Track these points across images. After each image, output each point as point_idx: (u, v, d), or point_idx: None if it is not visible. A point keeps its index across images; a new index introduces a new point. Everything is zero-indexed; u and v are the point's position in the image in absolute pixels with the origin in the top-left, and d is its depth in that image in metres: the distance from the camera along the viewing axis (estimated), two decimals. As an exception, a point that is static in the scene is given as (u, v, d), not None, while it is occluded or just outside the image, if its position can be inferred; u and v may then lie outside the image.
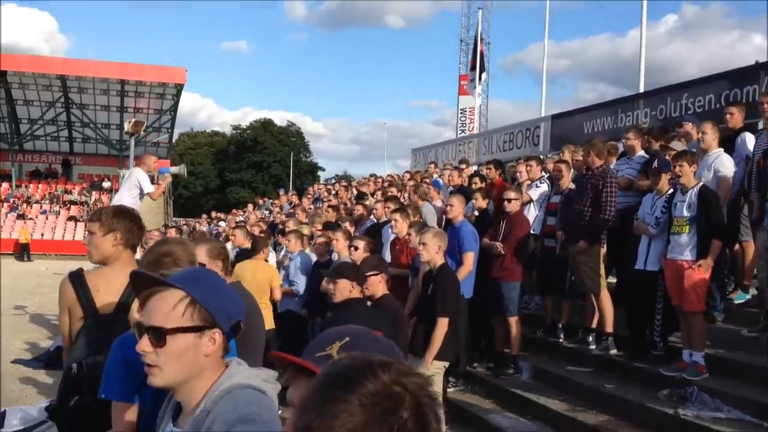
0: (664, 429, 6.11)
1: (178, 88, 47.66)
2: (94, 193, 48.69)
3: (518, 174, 10.22)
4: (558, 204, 8.91)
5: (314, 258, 9.70)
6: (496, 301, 8.28)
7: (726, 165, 7.47)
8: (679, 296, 6.70)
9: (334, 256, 8.99)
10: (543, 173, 9.96)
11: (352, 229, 10.16)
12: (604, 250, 8.07)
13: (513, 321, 8.26)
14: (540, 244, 9.16)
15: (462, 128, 41.86)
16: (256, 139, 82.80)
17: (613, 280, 8.96)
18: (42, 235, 42.70)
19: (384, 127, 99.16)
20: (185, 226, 30.60)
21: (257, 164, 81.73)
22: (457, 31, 51.13)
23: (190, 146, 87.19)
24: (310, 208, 16.75)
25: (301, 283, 9.31)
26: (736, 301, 7.78)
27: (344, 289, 5.47)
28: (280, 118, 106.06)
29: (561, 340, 8.66)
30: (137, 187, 9.64)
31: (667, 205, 7.04)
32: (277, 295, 8.79)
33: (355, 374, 1.18)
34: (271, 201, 28.17)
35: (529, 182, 9.81)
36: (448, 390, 7.84)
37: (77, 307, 3.66)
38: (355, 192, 16.94)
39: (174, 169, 11.11)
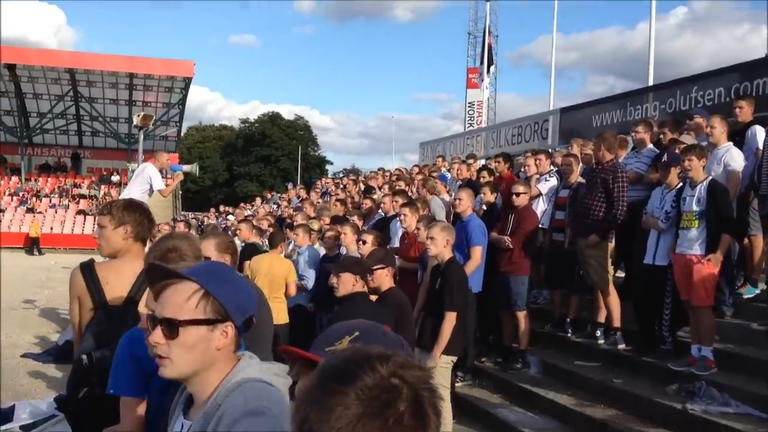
0: (673, 424, 6.10)
1: (187, 82, 47.63)
2: (103, 186, 48.78)
3: (526, 168, 10.18)
4: (566, 198, 8.89)
5: (323, 252, 9.72)
6: (504, 296, 8.28)
7: (736, 159, 7.44)
8: (688, 291, 6.68)
9: (343, 251, 9.01)
10: (552, 167, 9.94)
11: (360, 223, 10.17)
12: (612, 244, 8.05)
13: (521, 315, 8.25)
14: (548, 238, 9.15)
15: (470, 122, 41.77)
16: (264, 132, 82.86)
17: (621, 274, 8.95)
18: (51, 228, 42.80)
19: (392, 121, 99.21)
20: (194, 220, 30.67)
21: (265, 158, 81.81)
22: (465, 23, 50.92)
23: (199, 140, 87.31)
24: (318, 202, 16.76)
25: (310, 278, 9.33)
26: (746, 296, 7.75)
27: (348, 283, 5.48)
28: (287, 112, 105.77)
29: (569, 335, 8.65)
30: (148, 183, 9.66)
31: (676, 200, 7.01)
32: (292, 291, 8.82)
33: (353, 367, 1.18)
34: (279, 195, 28.21)
35: (537, 176, 9.79)
36: (456, 384, 7.84)
37: (87, 297, 3.68)
38: (362, 186, 16.95)
39: (186, 168, 11.10)
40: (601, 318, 8.14)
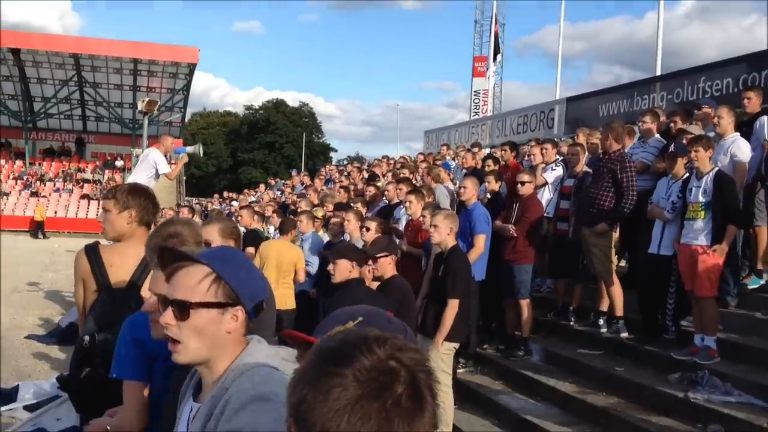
0: (674, 412, 6.11)
1: (191, 68, 47.60)
2: (107, 171, 48.88)
3: (532, 156, 10.16)
4: (572, 188, 8.87)
5: (326, 238, 9.73)
6: (508, 284, 8.28)
7: (743, 150, 7.41)
8: (692, 281, 6.68)
9: (347, 237, 9.01)
10: (557, 156, 9.92)
11: (364, 210, 10.17)
12: (616, 234, 8.04)
13: (524, 304, 8.26)
14: (553, 227, 9.14)
15: (475, 110, 41.62)
16: (268, 119, 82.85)
17: (624, 263, 8.94)
18: (55, 212, 42.95)
19: (397, 109, 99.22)
20: (197, 206, 30.72)
21: (269, 144, 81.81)
22: (472, 11, 50.78)
23: (203, 126, 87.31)
24: (322, 189, 16.76)
25: (314, 264, 9.34)
26: (750, 286, 7.73)
27: (344, 270, 5.50)
28: (292, 99, 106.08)
29: (572, 323, 8.65)
30: (153, 168, 9.67)
31: (682, 190, 7.00)
32: (301, 277, 8.85)
33: (350, 349, 1.18)
34: (283, 181, 28.21)
35: (543, 165, 9.77)
36: (458, 371, 7.87)
37: (91, 279, 3.70)
38: (366, 174, 16.94)
39: (190, 149, 11.09)
40: (604, 307, 8.13)
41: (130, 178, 10.43)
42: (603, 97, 15.69)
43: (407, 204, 8.68)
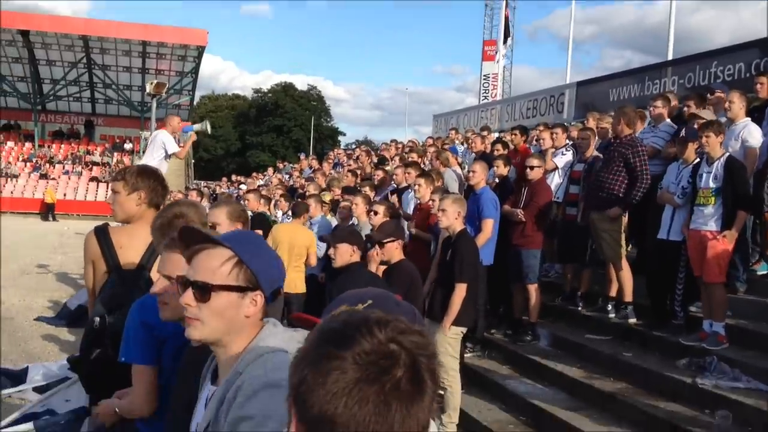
0: (682, 398, 6.11)
1: (200, 50, 47.54)
2: (116, 154, 48.96)
3: (541, 141, 10.11)
4: (581, 172, 8.84)
5: (334, 222, 9.73)
6: (516, 269, 8.27)
7: (754, 135, 7.36)
8: (701, 267, 6.65)
9: (355, 221, 9.02)
10: (567, 141, 9.87)
11: (372, 194, 10.16)
12: (625, 219, 8.01)
13: (532, 288, 8.25)
14: (562, 212, 9.11)
15: (485, 94, 41.49)
16: (276, 102, 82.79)
17: (631, 249, 8.90)
18: (65, 195, 43.07)
19: (406, 93, 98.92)
20: (206, 189, 30.78)
21: (278, 128, 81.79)
22: (482, -6, 50.31)
23: (211, 109, 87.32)
24: (330, 173, 16.75)
25: (322, 248, 9.35)
26: (760, 273, 7.70)
27: (345, 254, 5.52)
28: (301, 82, 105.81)
29: (580, 308, 8.64)
30: (162, 149, 9.68)
31: (692, 175, 6.96)
32: (313, 261, 8.87)
33: (351, 331, 1.17)
34: (291, 165, 28.22)
35: (553, 150, 9.72)
36: (466, 355, 7.87)
37: (101, 261, 3.72)
38: (375, 159, 16.92)
39: (197, 126, 11.09)
40: (613, 292, 8.11)
41: (142, 162, 10.44)
42: (614, 82, 15.60)
43: (416, 187, 8.66)
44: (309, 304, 8.58)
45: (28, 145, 49.53)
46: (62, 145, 50.49)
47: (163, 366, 2.98)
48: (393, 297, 1.72)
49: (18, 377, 7.40)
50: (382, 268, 6.32)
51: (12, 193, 42.26)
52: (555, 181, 9.39)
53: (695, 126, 7.26)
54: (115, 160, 47.31)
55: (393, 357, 1.14)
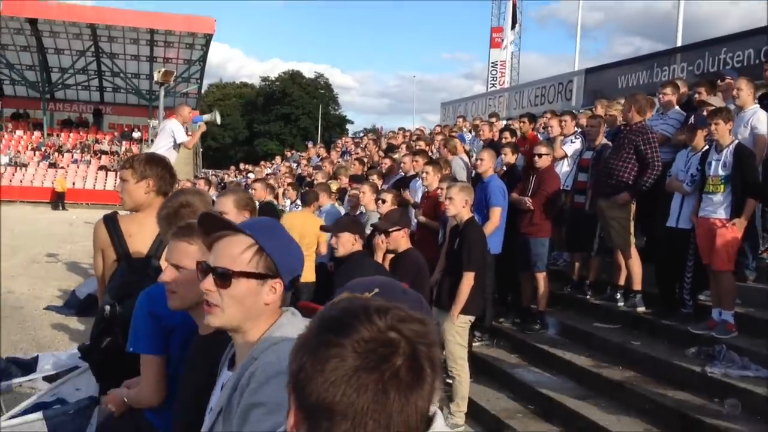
0: (691, 386, 6.10)
1: (207, 39, 47.48)
2: (124, 143, 49.04)
3: (550, 128, 10.07)
4: (590, 160, 8.80)
5: (342, 211, 9.73)
6: (524, 257, 8.26)
7: (763, 121, 7.31)
8: (710, 255, 6.63)
9: (362, 209, 9.01)
10: (576, 128, 9.82)
11: (380, 183, 10.14)
12: (634, 207, 7.98)
13: (541, 277, 8.23)
14: (570, 200, 9.07)
15: (493, 82, 41.34)
16: (284, 90, 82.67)
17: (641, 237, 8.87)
18: (73, 184, 43.17)
19: (413, 81, 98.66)
20: (214, 177, 30.82)
21: (285, 116, 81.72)
22: (490, -19, 49.99)
23: (219, 97, 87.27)
24: (338, 161, 16.74)
25: (331, 237, 9.35)
26: (769, 261, 7.69)
27: (347, 243, 5.52)
28: (308, 70, 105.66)
29: (588, 297, 8.63)
30: (171, 138, 9.69)
31: (701, 163, 6.92)
32: (323, 249, 8.87)
33: (350, 319, 1.16)
34: (299, 153, 28.22)
35: (562, 137, 9.68)
36: (474, 344, 7.89)
37: (110, 249, 3.73)
38: (384, 145, 16.90)
39: (207, 117, 11.08)
40: (621, 280, 8.10)
41: (150, 150, 10.44)
42: (622, 69, 15.54)
43: (424, 175, 8.63)
44: (318, 293, 8.58)
45: (36, 134, 49.64)
46: (71, 134, 50.58)
47: (171, 355, 3.00)
48: (399, 285, 1.72)
49: (28, 366, 7.43)
50: (390, 256, 6.32)
51: (21, 182, 42.41)
52: (564, 169, 9.35)
53: (704, 113, 7.22)
54: (123, 148, 47.39)
55: (392, 345, 1.14)
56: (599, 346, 7.47)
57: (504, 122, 16.01)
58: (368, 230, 7.25)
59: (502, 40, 40.69)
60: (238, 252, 2.02)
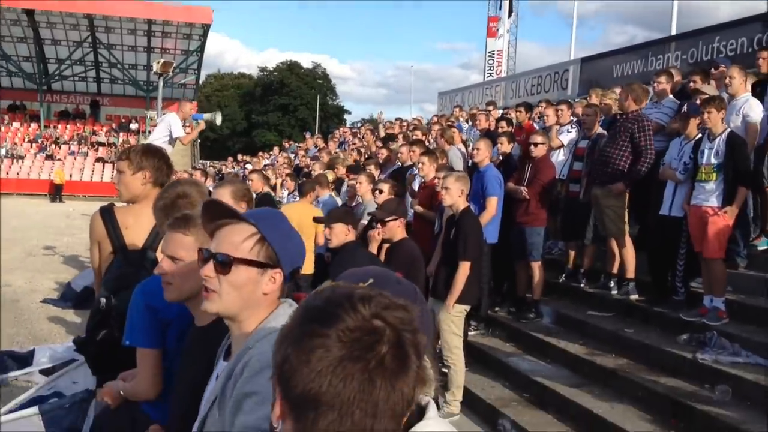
0: (682, 373, 6.16)
1: (205, 29, 47.34)
2: (121, 134, 48.89)
3: (545, 117, 10.09)
4: (585, 149, 8.82)
5: (340, 201, 9.76)
6: (520, 246, 8.30)
7: (755, 109, 7.35)
8: (702, 242, 6.68)
9: (359, 199, 9.04)
10: (572, 117, 9.84)
11: (376, 173, 10.17)
12: (627, 195, 8.01)
13: (536, 266, 8.28)
14: (566, 189, 9.11)
15: (489, 71, 41.28)
16: (282, 81, 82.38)
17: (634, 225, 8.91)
18: (71, 176, 43.02)
19: (411, 71, 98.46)
20: (211, 168, 30.78)
21: (283, 107, 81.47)
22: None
23: (217, 88, 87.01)
24: (336, 152, 16.75)
25: (329, 226, 9.37)
26: (760, 248, 7.70)
27: (340, 234, 5.54)
28: (306, 61, 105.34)
29: (582, 286, 8.68)
30: (168, 131, 9.69)
31: (694, 151, 6.97)
32: (321, 240, 8.88)
33: (334, 308, 1.16)
34: (296, 144, 28.18)
35: (558, 127, 9.70)
36: (470, 333, 7.93)
37: (107, 241, 3.73)
38: (381, 133, 16.90)
39: (207, 116, 11.03)
40: (615, 269, 8.15)
41: (147, 142, 10.44)
42: (617, 58, 15.57)
43: (420, 165, 8.65)
44: (316, 284, 8.59)
45: (33, 125, 49.47)
46: (68, 126, 50.41)
47: (167, 348, 3.01)
48: (394, 275, 1.72)
49: (24, 359, 7.41)
50: (386, 246, 6.35)
51: (18, 174, 42.29)
52: (559, 158, 9.38)
53: (697, 101, 7.26)
54: (121, 140, 47.22)
55: (377, 333, 1.14)
56: (593, 334, 7.53)
57: (500, 111, 16.03)
58: (366, 220, 7.30)
59: (498, 30, 40.63)
60: (239, 240, 2.04)
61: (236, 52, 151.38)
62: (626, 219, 7.85)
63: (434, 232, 8.20)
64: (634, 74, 14.00)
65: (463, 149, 10.83)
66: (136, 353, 3.02)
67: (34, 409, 4.17)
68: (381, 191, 7.78)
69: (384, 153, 11.76)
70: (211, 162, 49.45)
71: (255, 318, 2.07)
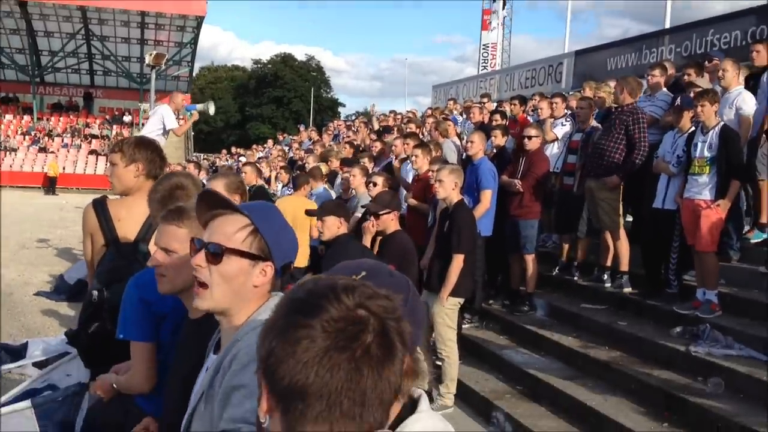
0: (675, 365, 6.19)
1: (198, 21, 47.09)
2: (115, 126, 48.70)
3: (539, 110, 10.08)
4: (579, 142, 8.82)
5: (334, 194, 9.74)
6: (514, 239, 8.31)
7: (747, 102, 7.37)
8: (694, 235, 6.69)
9: (353, 192, 9.02)
10: (566, 110, 9.83)
11: (370, 166, 10.15)
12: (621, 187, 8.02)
13: (529, 259, 8.29)
14: (560, 182, 9.11)
15: (484, 65, 41.27)
16: (276, 74, 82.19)
17: (628, 218, 8.93)
18: (64, 168, 42.83)
19: (405, 64, 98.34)
20: (205, 161, 30.73)
21: (277, 99, 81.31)
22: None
23: (211, 80, 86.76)
24: (330, 145, 16.72)
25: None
26: (753, 241, 7.73)
27: (332, 227, 5.55)
28: (300, 53, 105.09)
29: (576, 278, 8.69)
30: (161, 123, 9.67)
31: (687, 144, 6.97)
32: (315, 233, 8.86)
33: (317, 299, 1.16)
34: (290, 137, 28.15)
35: (552, 120, 9.69)
36: (463, 326, 7.95)
37: (99, 234, 3.73)
38: (375, 126, 16.87)
39: (200, 107, 11.00)
40: (608, 262, 8.16)
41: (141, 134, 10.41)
42: (611, 51, 15.58)
43: (413, 158, 8.62)
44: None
45: (26, 118, 49.21)
46: (61, 118, 50.14)
47: (162, 341, 3.00)
48: (386, 268, 1.71)
49: (17, 352, 7.38)
50: (379, 239, 6.35)
51: (11, 167, 42.09)
52: (553, 151, 9.37)
53: (691, 94, 7.27)
54: (114, 132, 47.01)
55: (362, 323, 1.14)
56: (586, 327, 7.55)
57: (494, 104, 16.02)
58: (359, 213, 7.29)
59: (491, 22, 40.63)
60: (232, 231, 2.03)
61: (230, 44, 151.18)
62: (621, 211, 7.87)
63: (428, 224, 8.20)
64: (628, 67, 14.01)
65: (458, 142, 10.82)
66: (130, 346, 3.02)
67: (27, 403, 4.15)
68: (375, 184, 7.77)
69: (378, 146, 11.74)
70: (204, 155, 49.30)
71: (245, 311, 2.06)
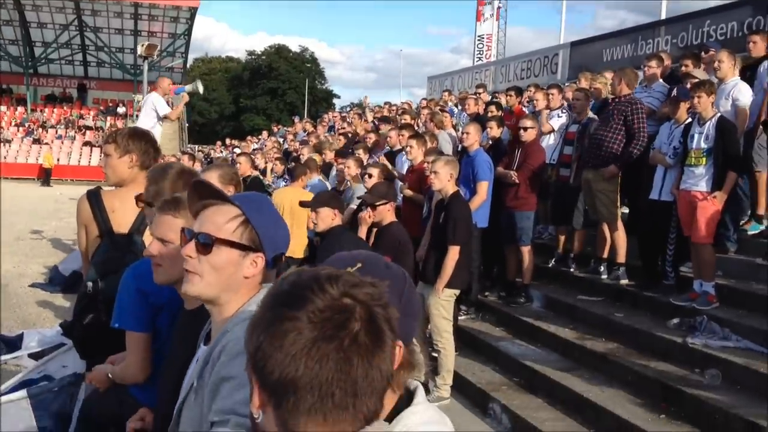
0: (672, 357, 6.19)
1: (192, 12, 46.91)
2: (109, 118, 48.55)
3: (535, 102, 10.04)
4: (575, 133, 8.80)
5: (329, 186, 9.71)
6: (510, 231, 8.29)
7: (744, 93, 7.35)
8: (691, 227, 6.68)
9: (348, 184, 9.00)
10: (563, 102, 9.81)
11: (365, 157, 10.13)
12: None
13: (525, 250, 8.27)
14: (556, 173, 9.09)
15: (479, 56, 41.23)
16: (270, 65, 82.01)
17: (625, 210, 8.92)
18: (58, 160, 42.74)
19: (400, 55, 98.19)
20: (200, 153, 30.66)
21: (272, 91, 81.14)
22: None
23: (205, 72, 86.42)
24: (325, 136, 16.69)
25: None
26: (750, 232, 7.72)
27: (327, 218, 5.52)
28: (294, 44, 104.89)
29: (572, 270, 8.68)
30: (154, 111, 9.64)
31: (684, 135, 6.96)
32: (311, 225, 8.82)
33: (301, 290, 1.16)
34: (285, 128, 28.09)
35: (548, 111, 9.66)
36: (460, 318, 7.93)
37: (93, 225, 3.71)
38: (369, 119, 16.83)
39: (188, 87, 10.99)
40: (605, 253, 8.16)
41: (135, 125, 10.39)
42: (607, 42, 15.58)
43: (408, 149, 8.60)
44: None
45: (20, 109, 49.04)
46: (55, 110, 49.99)
47: (159, 331, 3.00)
48: (382, 259, 1.71)
49: (13, 343, 7.40)
50: (375, 230, 6.33)
51: (5, 158, 41.93)
52: (549, 142, 9.35)
53: (687, 86, 7.25)
54: (108, 124, 46.86)
55: (348, 311, 1.14)
56: (583, 319, 7.54)
57: (490, 95, 16.00)
58: (354, 204, 7.26)
59: (484, 13, 40.60)
60: (223, 221, 2.02)
61: (224, 35, 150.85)
62: (618, 203, 7.86)
63: (423, 216, 8.18)
64: (624, 58, 14.01)
65: (453, 133, 10.80)
66: (126, 337, 3.01)
67: (23, 393, 4.15)
68: (370, 175, 7.75)
69: (372, 137, 11.71)
70: (199, 146, 49.20)
71: (235, 302, 2.05)
